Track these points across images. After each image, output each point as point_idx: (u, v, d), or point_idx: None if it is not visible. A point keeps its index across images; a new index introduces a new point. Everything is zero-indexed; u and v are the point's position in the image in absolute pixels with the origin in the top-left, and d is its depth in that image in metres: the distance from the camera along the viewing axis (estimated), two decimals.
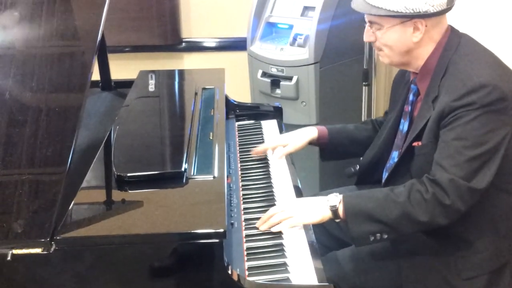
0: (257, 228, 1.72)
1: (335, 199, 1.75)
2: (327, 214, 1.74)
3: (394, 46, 1.81)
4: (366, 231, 1.72)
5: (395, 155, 1.94)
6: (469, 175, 1.67)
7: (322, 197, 1.78)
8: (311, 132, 2.16)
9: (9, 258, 1.38)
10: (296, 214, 1.72)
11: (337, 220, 1.76)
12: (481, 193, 1.69)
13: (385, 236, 1.72)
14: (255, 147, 2.23)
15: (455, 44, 1.80)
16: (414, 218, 1.69)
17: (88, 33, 1.92)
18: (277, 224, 1.71)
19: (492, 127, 1.68)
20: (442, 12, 1.77)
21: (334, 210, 1.74)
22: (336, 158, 2.26)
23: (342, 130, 2.20)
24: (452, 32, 1.83)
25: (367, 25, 1.85)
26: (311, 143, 2.17)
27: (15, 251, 1.38)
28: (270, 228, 1.71)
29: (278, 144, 2.14)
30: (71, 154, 1.54)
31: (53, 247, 1.39)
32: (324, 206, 1.75)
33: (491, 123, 1.68)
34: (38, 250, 1.39)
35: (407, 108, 1.92)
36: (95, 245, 1.42)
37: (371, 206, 1.71)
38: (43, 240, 1.39)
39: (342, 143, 2.17)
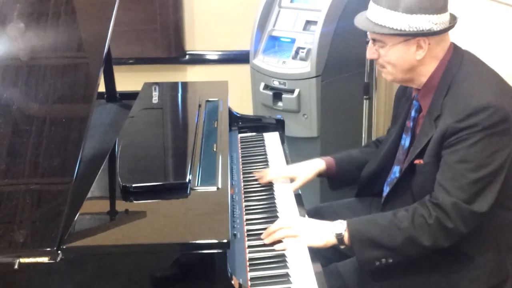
0: (259, 239, 1.74)
1: (341, 226, 1.76)
2: (331, 240, 1.76)
3: (397, 63, 1.82)
4: (372, 257, 1.74)
5: (396, 170, 1.96)
6: (472, 198, 1.69)
7: (327, 222, 1.79)
8: (319, 164, 2.14)
9: (16, 266, 1.39)
10: (302, 234, 1.74)
11: (342, 247, 1.77)
12: (483, 216, 1.71)
13: (390, 260, 1.75)
14: (257, 158, 2.25)
15: (457, 62, 1.81)
16: (418, 243, 1.72)
17: (95, 45, 1.94)
18: (280, 239, 1.73)
19: (495, 149, 1.69)
20: (445, 30, 1.79)
21: (340, 238, 1.75)
22: (346, 186, 2.25)
23: (348, 157, 2.19)
24: (454, 49, 1.85)
25: (370, 43, 1.87)
26: (319, 175, 2.16)
27: (22, 260, 1.40)
28: (273, 242, 1.73)
29: (286, 175, 2.12)
30: (77, 164, 1.57)
31: (60, 256, 1.41)
32: (329, 232, 1.76)
33: (494, 145, 1.69)
34: (45, 259, 1.40)
35: (409, 123, 1.94)
36: (101, 254, 1.44)
37: (376, 233, 1.73)
38: (49, 249, 1.41)
39: (350, 170, 2.16)
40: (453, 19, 1.82)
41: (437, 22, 1.75)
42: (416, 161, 1.82)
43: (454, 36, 1.90)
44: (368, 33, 1.86)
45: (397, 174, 1.93)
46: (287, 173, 2.12)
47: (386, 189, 2.00)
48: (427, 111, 1.84)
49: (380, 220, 1.76)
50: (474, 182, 1.69)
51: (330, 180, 2.21)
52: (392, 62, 1.83)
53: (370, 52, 1.87)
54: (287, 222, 1.78)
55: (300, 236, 1.74)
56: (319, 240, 1.75)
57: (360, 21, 1.85)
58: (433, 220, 1.70)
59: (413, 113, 1.93)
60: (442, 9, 1.77)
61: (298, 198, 2.01)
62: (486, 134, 1.68)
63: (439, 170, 1.75)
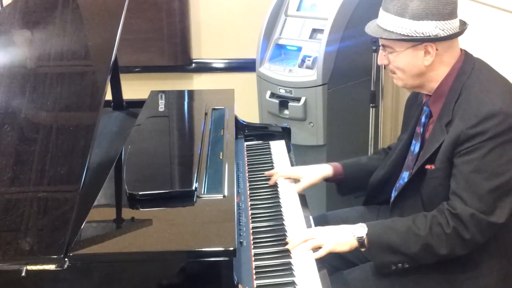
0: (266, 247, 1.74)
1: (362, 230, 1.77)
2: (354, 243, 1.78)
3: (406, 69, 1.84)
4: (388, 261, 1.77)
5: (405, 176, 1.96)
6: (490, 209, 1.70)
7: (347, 226, 1.81)
8: (325, 170, 2.16)
9: (23, 274, 1.40)
10: (326, 242, 1.75)
11: (363, 249, 1.79)
12: (500, 226, 1.71)
13: (406, 266, 1.77)
14: (263, 167, 2.25)
15: (469, 68, 1.82)
16: (435, 251, 1.73)
17: (102, 53, 1.96)
18: (307, 251, 1.73)
19: (509, 157, 1.70)
20: (452, 36, 1.80)
21: (361, 241, 1.77)
22: (355, 192, 2.26)
23: (356, 164, 2.21)
24: (466, 56, 1.86)
25: (380, 49, 1.89)
26: (326, 180, 2.18)
27: (29, 267, 1.40)
28: (282, 251, 1.73)
29: (292, 175, 2.15)
30: (84, 172, 1.57)
31: (67, 263, 1.41)
32: (351, 236, 1.78)
33: (507, 153, 1.70)
34: (52, 267, 1.41)
35: (419, 129, 1.95)
36: (107, 262, 1.45)
37: (395, 239, 1.75)
38: (56, 256, 1.41)
39: (358, 176, 2.17)
40: (462, 26, 1.83)
41: (444, 28, 1.76)
42: (427, 166, 1.83)
43: (464, 44, 1.90)
44: (379, 39, 1.88)
45: (406, 180, 1.93)
46: (294, 173, 2.15)
47: (394, 194, 2.00)
48: (437, 116, 1.85)
49: (399, 226, 1.77)
50: (491, 191, 1.69)
51: (338, 186, 2.22)
52: (401, 67, 1.84)
53: (381, 58, 1.90)
54: (310, 233, 1.78)
55: (325, 245, 1.75)
56: (344, 246, 1.77)
57: (370, 28, 1.89)
58: (450, 229, 1.71)
59: (423, 119, 1.94)
60: (450, 15, 1.78)
61: (305, 206, 2.01)
62: (498, 142, 1.69)
63: (452, 179, 1.76)
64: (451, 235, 1.71)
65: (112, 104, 2.49)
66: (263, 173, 2.20)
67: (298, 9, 3.23)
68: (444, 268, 1.82)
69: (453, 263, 1.80)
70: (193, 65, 3.75)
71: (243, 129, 2.51)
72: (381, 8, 1.85)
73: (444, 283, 1.82)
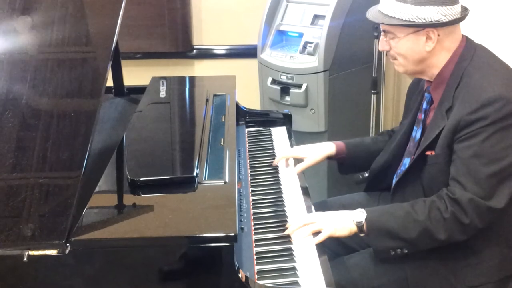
0: (266, 233, 1.75)
1: (361, 215, 1.78)
2: (353, 229, 1.78)
3: (407, 55, 1.84)
4: (387, 246, 1.77)
5: (406, 162, 1.97)
6: (489, 194, 1.70)
7: (347, 212, 1.81)
8: (329, 148, 2.16)
9: (25, 259, 1.41)
10: (326, 227, 1.76)
11: (362, 235, 1.79)
12: (499, 211, 1.72)
13: (405, 251, 1.78)
14: (265, 153, 2.26)
15: (470, 54, 1.82)
16: (434, 236, 1.73)
17: (103, 39, 1.95)
18: (307, 235, 1.73)
19: (508, 143, 1.70)
20: (454, 22, 1.80)
21: (360, 226, 1.77)
22: (355, 172, 2.27)
23: (360, 144, 2.21)
24: (467, 42, 1.86)
25: (382, 35, 1.89)
26: (329, 158, 2.18)
27: (31, 252, 1.42)
28: (283, 236, 1.73)
29: (295, 155, 2.16)
30: (86, 158, 1.58)
31: (68, 248, 1.43)
32: (350, 221, 1.78)
33: (507, 138, 1.70)
34: (53, 252, 1.42)
35: (420, 115, 1.95)
36: (109, 247, 1.46)
37: (393, 224, 1.75)
38: (58, 241, 1.43)
39: (360, 156, 2.18)
40: (464, 11, 1.82)
41: (446, 13, 1.76)
42: (428, 152, 1.83)
43: (465, 29, 1.89)
44: (380, 25, 1.88)
45: (407, 166, 1.93)
46: (296, 154, 2.16)
47: (395, 180, 2.00)
48: (438, 102, 1.85)
49: (398, 211, 1.78)
50: (490, 176, 1.70)
51: (339, 164, 2.22)
52: (403, 53, 1.84)
53: (382, 44, 1.90)
54: (309, 217, 1.79)
55: (325, 229, 1.75)
56: (343, 231, 1.78)
57: (371, 13, 1.88)
58: (449, 214, 1.71)
59: (424, 105, 1.94)
60: (452, 1, 1.77)
61: (305, 192, 2.02)
62: (498, 127, 1.69)
63: (452, 164, 1.76)
64: (449, 220, 1.71)
65: (113, 90, 2.50)
66: (264, 160, 2.21)
67: None
68: (443, 254, 1.82)
69: (453, 249, 1.80)
70: (195, 51, 3.74)
71: (244, 116, 2.51)
72: None
73: (444, 270, 1.83)
